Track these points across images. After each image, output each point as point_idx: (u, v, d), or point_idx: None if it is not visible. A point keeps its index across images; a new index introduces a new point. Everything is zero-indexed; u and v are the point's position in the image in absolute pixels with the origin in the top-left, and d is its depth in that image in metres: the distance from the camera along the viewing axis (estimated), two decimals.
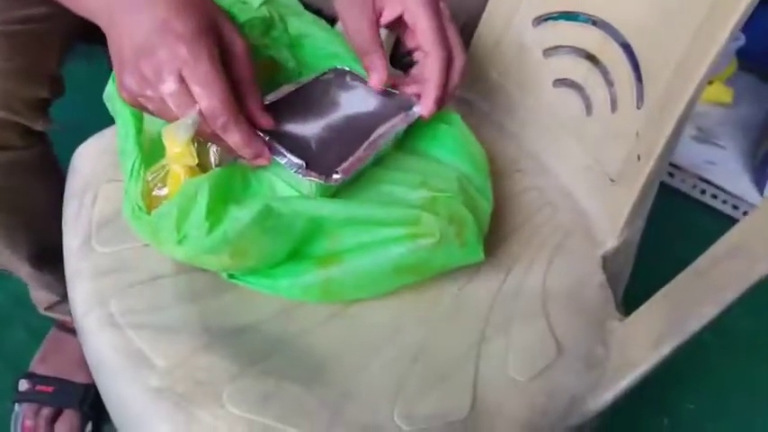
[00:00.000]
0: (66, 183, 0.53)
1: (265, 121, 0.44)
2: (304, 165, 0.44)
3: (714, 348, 0.92)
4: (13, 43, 0.53)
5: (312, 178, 0.44)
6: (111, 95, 0.47)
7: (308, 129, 0.47)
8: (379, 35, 0.48)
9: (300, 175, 0.44)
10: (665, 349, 0.42)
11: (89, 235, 0.48)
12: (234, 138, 0.41)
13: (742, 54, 1.19)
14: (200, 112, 0.40)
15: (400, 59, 0.67)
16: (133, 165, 0.44)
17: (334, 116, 0.48)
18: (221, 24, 0.42)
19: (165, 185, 0.45)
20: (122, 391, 0.41)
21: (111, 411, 0.44)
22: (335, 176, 0.45)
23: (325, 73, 0.51)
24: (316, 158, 0.45)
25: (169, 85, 0.39)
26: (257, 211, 0.43)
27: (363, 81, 0.51)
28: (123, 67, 0.40)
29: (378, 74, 0.48)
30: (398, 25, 0.49)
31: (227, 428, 0.39)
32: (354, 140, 0.47)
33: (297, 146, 0.45)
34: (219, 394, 0.40)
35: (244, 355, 0.43)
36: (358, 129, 0.48)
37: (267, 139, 0.45)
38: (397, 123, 0.48)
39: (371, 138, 0.47)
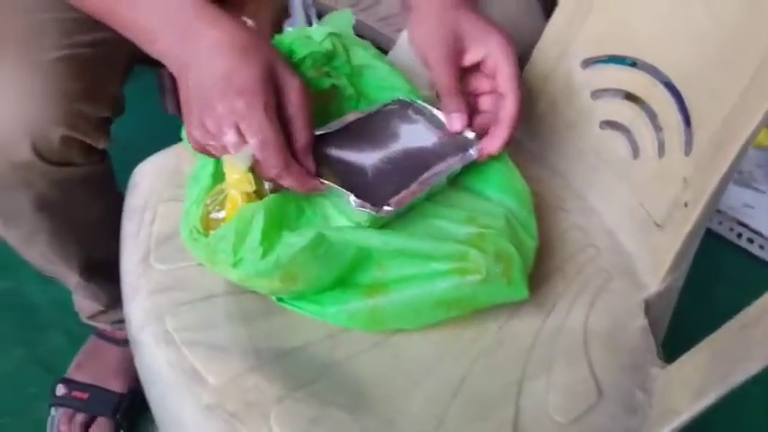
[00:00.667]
0: (126, 200, 0.55)
1: (309, 164, 0.46)
2: (354, 196, 0.46)
3: (753, 398, 0.90)
4: (81, 65, 0.56)
5: (364, 209, 0.45)
6: None
7: (367, 158, 0.49)
8: (458, 79, 0.50)
9: (353, 205, 0.45)
10: (708, 399, 0.42)
11: (148, 252, 0.49)
12: (287, 183, 0.45)
13: None
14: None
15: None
16: (200, 192, 0.46)
17: (393, 148, 0.50)
18: (277, 67, 0.45)
19: (222, 209, 0.47)
20: (175, 405, 0.43)
21: (161, 424, 0.45)
22: (386, 208, 0.46)
23: (388, 104, 0.53)
24: (370, 189, 0.47)
25: (228, 138, 0.43)
26: (310, 238, 0.44)
27: (425, 114, 0.53)
28: (190, 120, 0.45)
29: (459, 119, 0.50)
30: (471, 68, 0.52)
31: None
32: (410, 175, 0.48)
33: (353, 174, 0.47)
34: (267, 415, 0.41)
35: (290, 377, 0.44)
36: (415, 163, 0.49)
37: (323, 169, 0.46)
38: (453, 163, 0.50)
39: (426, 174, 0.49)
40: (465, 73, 0.52)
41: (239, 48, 0.44)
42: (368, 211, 0.46)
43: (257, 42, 0.45)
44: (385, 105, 0.53)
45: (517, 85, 0.49)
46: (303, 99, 0.45)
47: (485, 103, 0.53)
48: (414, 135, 0.51)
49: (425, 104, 0.53)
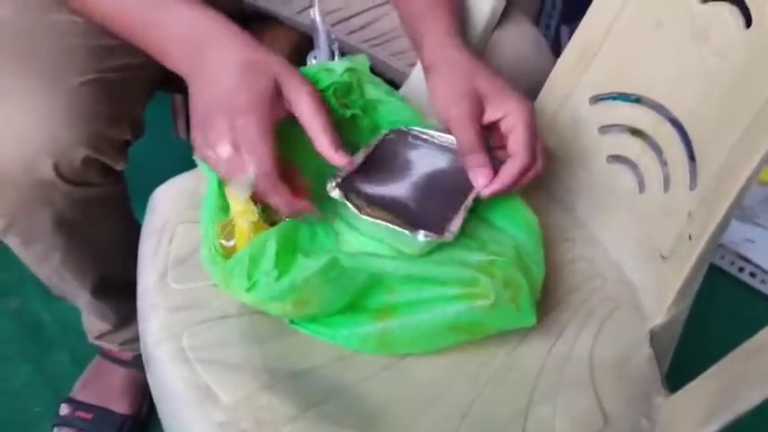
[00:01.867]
0: (145, 221, 0.57)
1: (339, 158, 0.48)
2: (421, 232, 0.47)
3: (754, 429, 0.90)
4: (106, 89, 0.58)
5: (430, 238, 0.47)
6: None
7: (397, 190, 0.51)
8: (483, 135, 0.51)
9: (420, 238, 0.47)
10: (713, 427, 0.43)
11: (165, 272, 0.51)
12: (274, 200, 0.47)
13: None
14: None
15: None
16: (212, 215, 0.47)
17: (415, 175, 0.52)
18: (285, 81, 0.47)
19: (232, 237, 0.48)
20: (187, 422, 0.43)
21: None
22: (447, 234, 0.48)
23: (386, 135, 0.55)
24: (419, 217, 0.49)
25: (223, 150, 0.45)
26: (324, 262, 0.46)
27: (423, 138, 0.55)
28: (194, 128, 0.47)
29: (484, 174, 0.50)
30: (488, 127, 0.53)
31: None
32: (447, 198, 0.51)
33: (395, 207, 0.49)
34: None
35: (302, 398, 0.45)
36: (444, 186, 0.52)
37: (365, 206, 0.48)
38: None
39: (469, 198, 0.51)
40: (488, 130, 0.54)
41: (245, 64, 0.46)
42: (432, 238, 0.47)
43: (265, 57, 0.47)
44: (384, 136, 0.55)
45: (527, 150, 0.50)
46: (315, 103, 0.47)
47: (498, 155, 0.54)
48: (424, 159, 0.53)
49: (422, 129, 0.55)
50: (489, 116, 0.52)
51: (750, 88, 0.50)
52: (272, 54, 0.48)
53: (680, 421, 0.47)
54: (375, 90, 0.56)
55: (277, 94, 0.46)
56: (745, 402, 0.42)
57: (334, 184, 0.49)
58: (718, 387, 0.45)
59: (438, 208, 0.50)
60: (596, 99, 0.62)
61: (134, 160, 0.67)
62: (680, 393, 0.48)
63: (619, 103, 0.61)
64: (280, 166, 0.46)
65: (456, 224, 0.49)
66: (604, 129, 0.61)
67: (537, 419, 0.46)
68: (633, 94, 0.60)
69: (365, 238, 0.50)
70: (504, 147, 0.52)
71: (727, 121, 0.52)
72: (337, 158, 0.48)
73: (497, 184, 0.50)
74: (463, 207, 0.50)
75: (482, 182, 0.51)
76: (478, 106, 0.52)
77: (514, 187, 0.52)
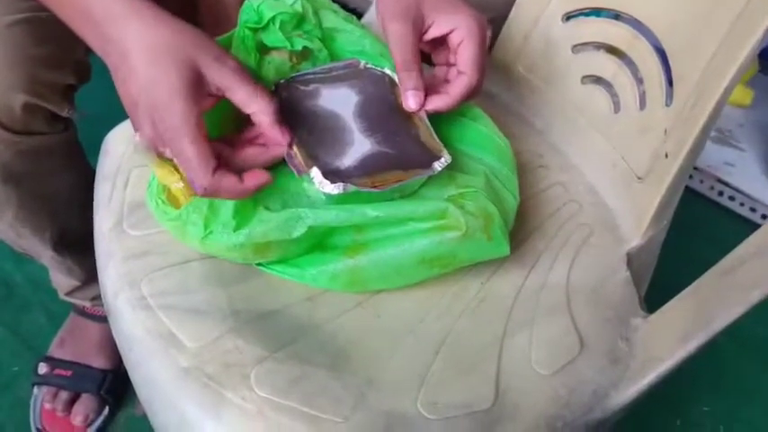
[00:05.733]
0: (98, 166, 0.54)
1: (278, 136, 0.44)
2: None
3: (730, 352, 0.92)
4: (40, 30, 0.54)
5: (441, 164, 0.47)
6: None
7: (361, 147, 0.47)
8: (418, 55, 0.48)
9: (436, 168, 0.46)
10: (691, 346, 0.42)
11: (121, 218, 0.48)
12: (223, 197, 0.43)
13: (763, 56, 1.18)
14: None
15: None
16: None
17: (353, 123, 0.48)
18: (205, 67, 0.41)
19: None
20: (152, 370, 0.42)
21: (140, 390, 0.45)
22: (445, 156, 0.47)
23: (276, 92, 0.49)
24: (403, 156, 0.47)
25: (146, 132, 0.41)
26: (285, 218, 0.44)
27: (309, 80, 0.50)
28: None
29: (415, 96, 0.47)
30: (435, 42, 0.50)
31: (255, 410, 0.39)
32: (400, 126, 0.48)
33: (382, 163, 0.46)
34: (247, 376, 0.41)
35: (270, 339, 0.43)
36: (386, 117, 0.48)
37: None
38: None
39: (422, 118, 0.49)
40: (427, 44, 0.50)
41: (157, 53, 0.40)
42: (444, 162, 0.46)
43: (177, 39, 0.41)
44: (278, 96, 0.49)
45: (476, 67, 0.47)
46: (245, 86, 0.42)
47: (441, 72, 0.51)
48: (338, 102, 0.49)
49: (299, 71, 0.50)
50: (435, 31, 0.48)
51: (723, 2, 0.48)
52: (187, 32, 0.41)
53: (657, 341, 0.46)
54: (334, 18, 0.52)
55: (198, 81, 0.41)
56: (721, 320, 0.41)
57: (325, 180, 0.44)
58: (695, 306, 0.45)
59: (401, 135, 0.47)
60: (569, 16, 0.59)
61: (89, 109, 0.63)
62: (657, 314, 0.48)
63: (593, 19, 0.58)
64: (218, 146, 0.42)
65: (437, 141, 0.48)
66: (578, 47, 0.59)
67: (512, 349, 0.45)
68: (608, 9, 0.57)
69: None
70: (449, 64, 0.49)
71: (703, 36, 0.50)
72: (283, 135, 0.44)
73: (442, 102, 0.48)
74: (422, 121, 0.48)
75: (413, 105, 0.47)
76: (419, 21, 0.48)
77: (457, 106, 0.49)
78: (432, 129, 0.49)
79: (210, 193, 0.41)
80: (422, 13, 0.48)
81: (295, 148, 0.45)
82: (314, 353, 0.43)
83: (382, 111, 0.49)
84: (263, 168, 0.44)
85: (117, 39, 0.41)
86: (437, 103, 0.48)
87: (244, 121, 0.45)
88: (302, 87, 0.49)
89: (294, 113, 0.47)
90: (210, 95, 0.42)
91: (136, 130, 0.42)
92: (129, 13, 0.41)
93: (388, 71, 0.51)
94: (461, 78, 0.47)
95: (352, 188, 0.44)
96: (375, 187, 0.45)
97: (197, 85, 0.40)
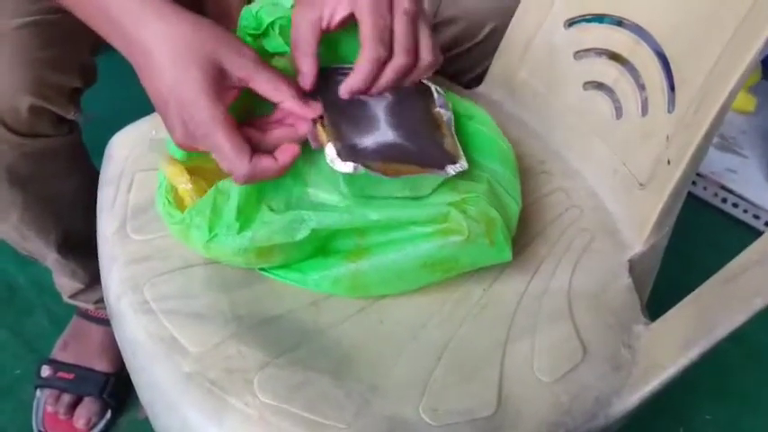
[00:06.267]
0: (102, 169, 0.54)
1: (311, 111, 0.44)
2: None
3: (734, 360, 0.92)
4: (48, 33, 0.54)
5: (456, 169, 0.47)
6: None
7: (381, 136, 0.47)
8: (316, 39, 0.47)
9: (449, 172, 0.46)
10: (693, 353, 0.42)
11: (124, 222, 0.48)
12: (260, 179, 0.43)
13: (766, 63, 1.18)
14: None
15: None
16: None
17: (378, 113, 0.49)
18: (226, 60, 0.42)
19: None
20: (155, 374, 0.42)
21: (142, 395, 0.45)
22: (462, 161, 0.48)
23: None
24: (420, 154, 0.47)
25: (183, 143, 0.42)
26: (288, 220, 0.44)
27: (344, 73, 0.49)
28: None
29: (305, 77, 0.46)
30: None
31: (258, 416, 0.39)
32: (421, 125, 0.49)
33: (397, 153, 0.46)
34: (250, 382, 0.41)
35: (273, 344, 0.43)
36: (408, 114, 0.49)
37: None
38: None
39: (446, 121, 0.50)
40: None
41: (179, 51, 0.41)
42: (459, 168, 0.47)
43: (198, 35, 0.41)
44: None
45: (374, 38, 0.45)
46: (266, 75, 0.43)
47: None
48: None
49: (339, 64, 0.50)
50: (340, 13, 0.46)
51: (728, 7, 0.48)
52: (205, 28, 0.42)
53: (660, 349, 0.46)
54: None
55: (221, 76, 0.42)
56: (724, 328, 0.41)
57: (337, 157, 0.44)
58: (697, 313, 0.45)
59: (425, 137, 0.48)
60: (572, 22, 0.59)
61: (94, 111, 0.64)
62: (659, 321, 0.48)
63: (595, 25, 0.58)
64: (248, 132, 0.43)
65: (459, 150, 0.48)
66: (580, 54, 0.59)
67: (515, 354, 0.45)
68: (610, 16, 0.57)
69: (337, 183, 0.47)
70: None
71: (705, 42, 0.49)
72: (311, 112, 0.44)
73: (348, 83, 0.46)
74: (450, 131, 0.49)
75: (301, 84, 0.46)
76: (319, 7, 0.46)
77: (377, 84, 0.47)
78: (458, 142, 0.49)
79: (250, 179, 0.42)
80: (325, 1, 0.46)
81: (318, 125, 0.45)
82: (317, 358, 0.43)
83: (413, 114, 0.50)
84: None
85: (138, 38, 0.41)
86: (346, 84, 0.46)
87: (265, 103, 0.45)
88: (343, 77, 0.48)
89: (328, 97, 0.47)
90: (233, 87, 0.43)
91: (167, 127, 0.42)
92: (147, 10, 0.41)
93: (432, 85, 0.51)
94: (362, 53, 0.46)
95: (362, 170, 0.44)
96: (386, 174, 0.44)
97: (220, 80, 0.41)
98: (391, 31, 0.45)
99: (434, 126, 0.50)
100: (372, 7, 0.45)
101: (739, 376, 0.92)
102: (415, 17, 0.46)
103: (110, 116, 0.75)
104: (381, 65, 0.46)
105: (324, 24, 0.46)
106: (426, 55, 0.47)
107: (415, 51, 0.46)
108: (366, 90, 0.46)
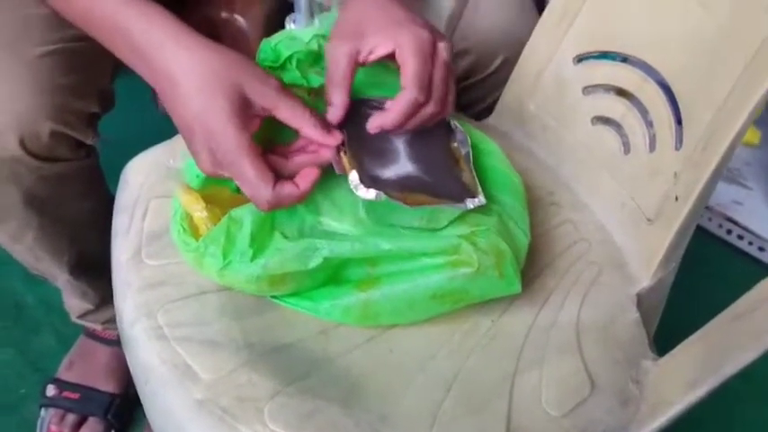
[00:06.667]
0: (117, 195, 0.55)
1: (333, 139, 0.46)
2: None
3: (743, 395, 0.91)
4: (70, 60, 0.55)
5: (474, 203, 0.48)
6: None
7: (402, 168, 0.48)
8: (352, 72, 0.47)
9: (468, 206, 0.47)
10: (702, 390, 0.42)
11: (139, 248, 0.49)
12: (284, 206, 0.44)
13: None
14: None
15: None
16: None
17: (398, 145, 0.50)
18: (250, 89, 0.43)
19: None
20: (167, 401, 0.42)
21: (154, 420, 0.45)
22: (480, 196, 0.49)
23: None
24: (438, 186, 0.48)
25: (208, 169, 0.44)
26: (302, 248, 0.44)
27: (373, 106, 0.50)
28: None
29: (336, 109, 0.47)
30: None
31: None
32: (439, 158, 0.50)
33: (417, 184, 0.48)
34: (261, 410, 0.41)
35: (284, 372, 0.44)
36: (427, 148, 0.50)
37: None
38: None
39: (463, 155, 0.51)
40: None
41: (206, 81, 0.42)
42: (477, 203, 0.48)
43: (224, 65, 0.42)
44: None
45: (417, 83, 0.45)
46: (289, 103, 0.44)
47: None
48: None
49: (369, 96, 0.51)
50: (380, 51, 0.47)
51: (737, 45, 0.49)
52: (229, 56, 0.43)
53: (668, 385, 0.46)
54: None
55: (246, 104, 0.43)
56: (732, 365, 0.41)
57: (360, 184, 0.45)
58: (706, 350, 0.45)
59: (443, 171, 0.49)
60: (580, 58, 0.60)
61: (110, 135, 0.65)
62: (667, 357, 0.48)
63: (603, 62, 0.59)
64: (272, 159, 0.44)
65: (478, 185, 0.49)
66: (588, 89, 0.60)
67: (523, 387, 0.46)
68: (618, 53, 0.58)
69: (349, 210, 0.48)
70: None
71: (714, 80, 0.50)
72: (332, 140, 0.45)
73: (380, 119, 0.47)
74: (469, 166, 0.50)
75: (331, 116, 0.47)
76: (359, 42, 0.47)
77: (405, 124, 0.47)
78: (476, 177, 0.50)
79: (273, 206, 0.43)
80: (364, 35, 0.47)
81: (341, 153, 0.46)
82: (327, 387, 0.43)
83: (433, 149, 0.51)
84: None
85: (163, 67, 0.42)
86: (377, 120, 0.47)
87: (286, 130, 0.46)
88: (368, 110, 0.49)
89: (350, 127, 0.48)
90: (257, 115, 0.44)
91: (192, 153, 0.44)
92: (170, 40, 0.42)
93: (452, 119, 0.52)
94: (402, 94, 0.46)
95: (384, 197, 0.45)
96: (406, 203, 0.45)
97: (245, 108, 0.42)
98: (430, 78, 0.46)
99: (453, 160, 0.51)
100: (417, 50, 0.46)
101: (749, 412, 0.91)
102: (450, 68, 0.47)
103: (124, 139, 0.76)
104: (417, 109, 0.47)
105: (361, 58, 0.47)
106: (451, 106, 0.49)
107: (446, 101, 0.48)
108: (394, 129, 0.48)
